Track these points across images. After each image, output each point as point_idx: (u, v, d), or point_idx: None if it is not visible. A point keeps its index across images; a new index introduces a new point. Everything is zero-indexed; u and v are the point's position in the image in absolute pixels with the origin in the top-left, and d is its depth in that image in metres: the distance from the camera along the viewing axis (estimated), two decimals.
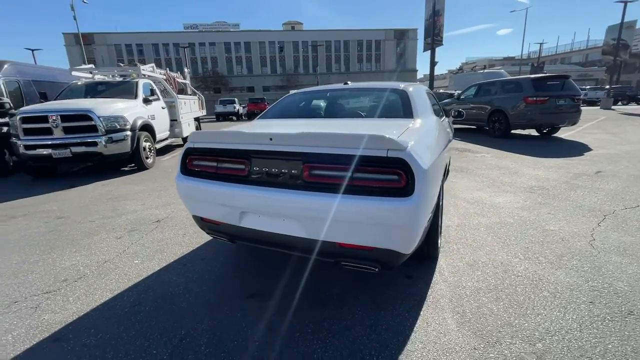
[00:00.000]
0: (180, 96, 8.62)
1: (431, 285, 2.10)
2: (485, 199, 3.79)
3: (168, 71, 9.20)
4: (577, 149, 6.78)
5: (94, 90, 6.71)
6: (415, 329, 1.71)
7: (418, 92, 2.73)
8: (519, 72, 36.20)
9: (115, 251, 2.76)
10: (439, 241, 2.39)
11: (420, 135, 1.96)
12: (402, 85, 2.75)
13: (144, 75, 7.63)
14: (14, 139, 5.31)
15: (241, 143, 1.94)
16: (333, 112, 2.95)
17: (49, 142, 5.16)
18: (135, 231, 3.18)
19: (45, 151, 5.18)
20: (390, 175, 1.60)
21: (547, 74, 8.73)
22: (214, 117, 27.35)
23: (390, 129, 1.98)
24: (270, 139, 1.82)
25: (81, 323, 1.86)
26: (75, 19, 26.01)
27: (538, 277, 2.15)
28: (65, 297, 2.13)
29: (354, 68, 53.98)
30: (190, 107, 9.66)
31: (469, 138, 9.15)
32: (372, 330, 1.72)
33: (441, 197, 2.56)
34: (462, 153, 6.89)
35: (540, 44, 44.37)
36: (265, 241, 1.95)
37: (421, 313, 1.84)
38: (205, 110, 11.47)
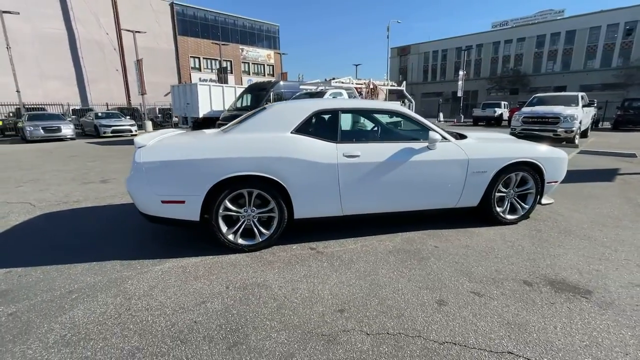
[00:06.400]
0: None
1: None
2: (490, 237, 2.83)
3: (370, 80, 11.08)
4: None
5: (307, 98, 10.00)
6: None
7: (271, 112, 3.00)
8: None
9: None
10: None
11: (182, 142, 2.80)
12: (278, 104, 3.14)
13: (334, 86, 10.10)
14: None
15: None
16: None
17: None
18: None
19: None
20: None
21: None
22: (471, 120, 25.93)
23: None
24: None
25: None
26: (387, 37, 33.40)
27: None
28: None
29: None
30: None
31: None
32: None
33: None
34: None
35: None
36: None
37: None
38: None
